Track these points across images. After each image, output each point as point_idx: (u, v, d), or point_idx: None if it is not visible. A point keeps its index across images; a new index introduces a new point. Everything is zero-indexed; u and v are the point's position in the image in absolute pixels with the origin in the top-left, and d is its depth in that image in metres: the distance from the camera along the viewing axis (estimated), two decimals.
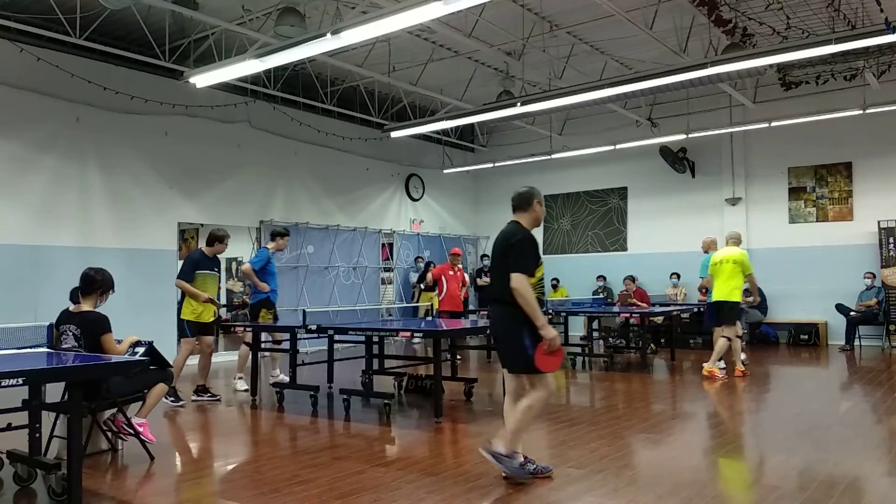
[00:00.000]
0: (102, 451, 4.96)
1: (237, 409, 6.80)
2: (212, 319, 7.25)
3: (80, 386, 3.85)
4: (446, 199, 15.87)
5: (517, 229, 4.25)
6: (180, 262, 10.63)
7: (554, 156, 13.65)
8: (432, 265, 12.73)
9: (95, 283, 4.80)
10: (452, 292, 10.77)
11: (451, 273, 10.70)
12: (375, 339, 7.25)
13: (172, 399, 6.81)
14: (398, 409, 6.55)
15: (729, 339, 8.26)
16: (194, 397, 7.14)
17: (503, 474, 4.09)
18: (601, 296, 13.63)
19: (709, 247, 9.36)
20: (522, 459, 4.12)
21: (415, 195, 15.01)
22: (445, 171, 15.51)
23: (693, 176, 13.57)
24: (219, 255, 7.34)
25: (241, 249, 13.88)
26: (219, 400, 7.14)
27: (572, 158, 14.03)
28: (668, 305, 11.62)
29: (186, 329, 7.10)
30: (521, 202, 4.33)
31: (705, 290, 9.81)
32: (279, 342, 8.41)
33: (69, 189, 9.28)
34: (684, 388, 7.67)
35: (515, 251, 4.09)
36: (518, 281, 3.99)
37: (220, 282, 7.67)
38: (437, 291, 10.72)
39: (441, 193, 15.70)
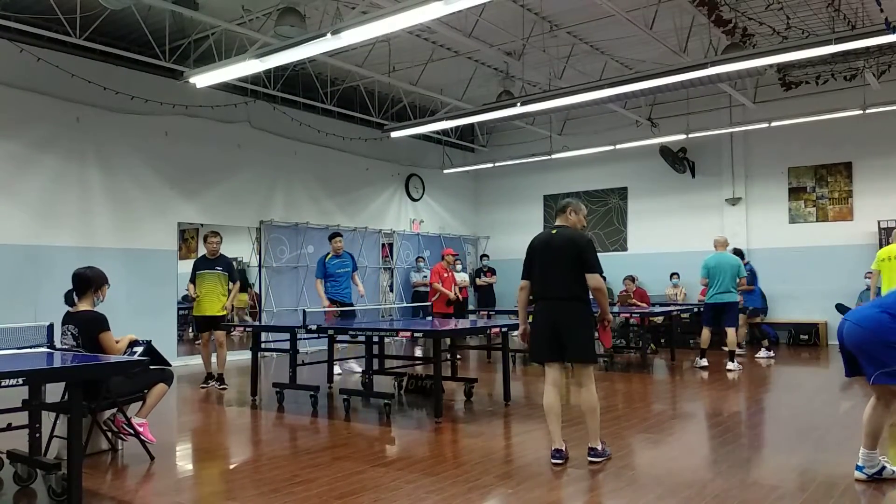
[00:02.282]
0: (102, 451, 4.96)
1: (237, 409, 6.80)
2: (216, 314, 7.94)
3: (80, 386, 3.85)
4: (446, 199, 15.87)
5: (579, 232, 4.66)
6: (180, 263, 10.74)
7: (554, 156, 13.65)
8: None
9: (89, 280, 4.80)
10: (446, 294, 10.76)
11: (445, 275, 10.70)
12: (375, 339, 7.25)
13: (218, 384, 7.97)
14: (398, 409, 6.55)
15: None
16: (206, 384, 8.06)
17: (591, 461, 4.49)
18: None
19: (716, 246, 9.26)
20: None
21: (415, 195, 15.00)
22: (445, 171, 15.51)
23: (693, 176, 13.56)
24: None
25: (241, 250, 13.90)
26: (226, 388, 7.93)
27: (572, 158, 14.03)
28: (668, 305, 11.62)
29: (194, 325, 8.24)
30: (557, 209, 4.84)
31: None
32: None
33: (69, 189, 9.28)
34: (684, 388, 7.67)
35: (589, 253, 4.50)
36: (600, 281, 4.48)
37: (225, 280, 8.14)
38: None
39: (441, 193, 15.69)
